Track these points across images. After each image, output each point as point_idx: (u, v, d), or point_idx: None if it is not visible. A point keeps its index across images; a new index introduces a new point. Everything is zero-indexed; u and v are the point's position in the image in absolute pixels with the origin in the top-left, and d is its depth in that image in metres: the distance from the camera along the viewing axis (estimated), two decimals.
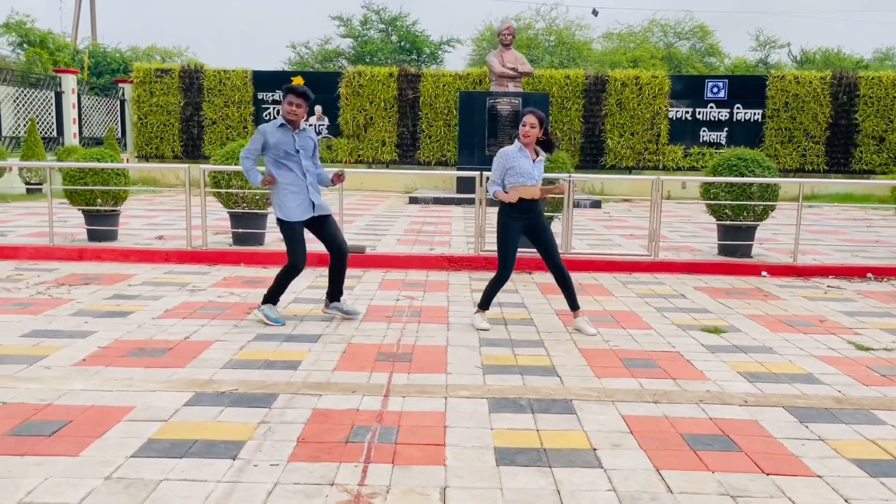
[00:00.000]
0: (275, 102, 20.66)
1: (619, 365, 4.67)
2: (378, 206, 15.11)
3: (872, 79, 19.60)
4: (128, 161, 20.40)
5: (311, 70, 31.96)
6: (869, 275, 8.10)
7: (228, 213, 8.86)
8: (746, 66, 41.84)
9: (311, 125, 20.60)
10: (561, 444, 3.41)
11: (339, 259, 5.72)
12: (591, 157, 20.20)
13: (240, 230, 8.72)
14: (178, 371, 4.36)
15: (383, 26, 35.69)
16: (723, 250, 8.82)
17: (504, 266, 5.56)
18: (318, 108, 20.73)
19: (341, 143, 20.54)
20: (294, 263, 5.54)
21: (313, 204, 5.55)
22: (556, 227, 9.27)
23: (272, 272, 7.73)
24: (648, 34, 39.58)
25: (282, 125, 5.45)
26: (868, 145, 19.66)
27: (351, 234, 9.98)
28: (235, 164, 8.46)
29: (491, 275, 5.76)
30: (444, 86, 20.25)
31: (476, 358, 4.77)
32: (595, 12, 29.27)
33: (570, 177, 8.35)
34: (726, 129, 20.03)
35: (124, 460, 3.13)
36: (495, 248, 5.66)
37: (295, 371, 4.41)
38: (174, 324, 5.49)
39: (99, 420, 3.57)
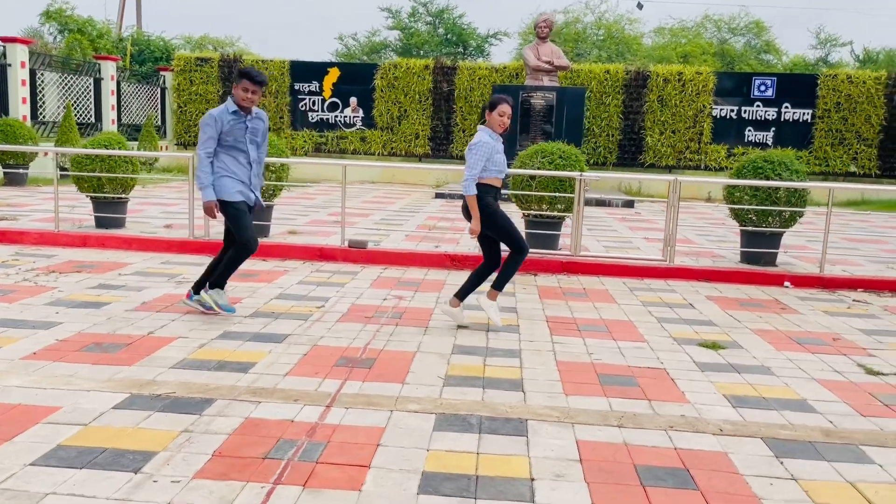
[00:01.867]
0: (311, 93, 20.63)
1: (595, 381, 4.32)
2: (402, 200, 14.88)
3: None
4: (166, 149, 20.65)
5: (349, 62, 32.00)
6: None
7: None
8: (805, 64, 40.31)
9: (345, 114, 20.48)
10: (498, 471, 3.10)
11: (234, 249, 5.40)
12: (630, 154, 19.63)
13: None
14: (123, 369, 4.18)
15: (430, 19, 35.53)
16: (745, 258, 8.32)
17: (519, 243, 5.36)
18: (352, 100, 20.63)
19: (375, 136, 20.40)
20: (246, 241, 5.25)
21: (253, 195, 5.37)
22: (565, 229, 8.88)
23: (270, 265, 7.58)
24: (701, 29, 38.47)
25: (234, 112, 5.18)
26: None
27: (362, 230, 9.77)
28: None
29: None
30: (479, 79, 19.92)
31: (442, 367, 4.48)
32: (640, 5, 28.45)
33: (581, 175, 7.97)
34: (773, 129, 19.22)
35: (20, 468, 2.94)
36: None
37: (245, 374, 4.19)
38: (145, 317, 5.33)
39: (19, 421, 3.40)
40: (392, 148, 20.49)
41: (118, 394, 3.79)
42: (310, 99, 20.77)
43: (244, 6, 66.44)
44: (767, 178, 7.91)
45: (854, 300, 7.07)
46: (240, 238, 5.29)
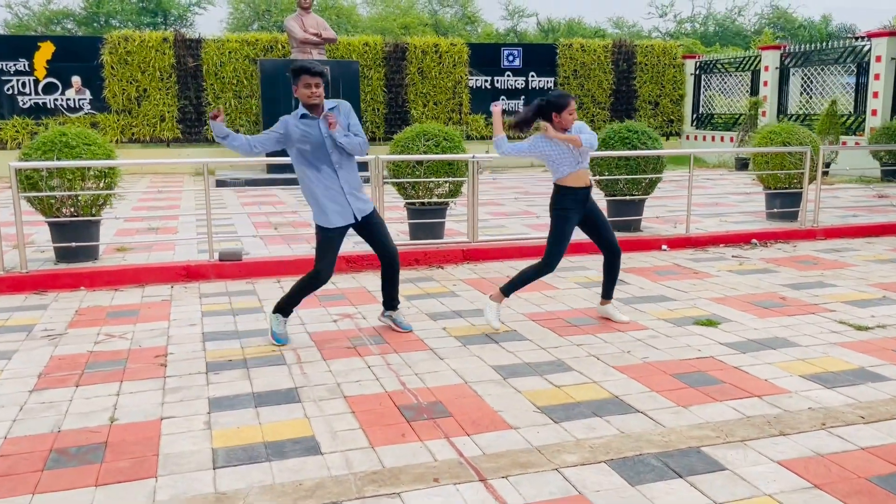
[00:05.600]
0: (18, 73, 17.15)
1: (682, 385, 4.03)
2: (181, 194, 13.02)
3: (647, 47, 21.01)
4: None
5: (66, 35, 27.50)
6: (754, 241, 8.33)
7: (48, 222, 6.79)
8: (498, 35, 43.69)
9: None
10: None
11: (388, 266, 5.02)
12: (397, 128, 19.27)
13: (65, 244, 6.72)
14: (151, 486, 2.92)
15: None
16: (614, 226, 8.57)
17: (552, 255, 5.04)
18: (75, 80, 17.57)
19: (109, 120, 17.61)
20: (317, 271, 4.79)
21: (353, 210, 4.73)
22: (454, 213, 8.39)
23: (135, 295, 6.07)
24: (414, 0, 39.48)
25: (303, 116, 4.59)
26: (645, 110, 21.10)
27: (190, 237, 8.26)
28: (59, 159, 6.49)
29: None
30: (230, 53, 18.15)
31: (519, 398, 3.85)
32: None
33: (473, 157, 7.54)
34: (523, 97, 20.27)
35: None
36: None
37: (322, 456, 3.18)
38: (72, 396, 3.86)
39: None
40: (133, 133, 17.92)
41: None
42: (18, 80, 17.29)
43: None
44: (635, 148, 8.20)
45: (733, 256, 7.65)
46: (315, 265, 4.81)
